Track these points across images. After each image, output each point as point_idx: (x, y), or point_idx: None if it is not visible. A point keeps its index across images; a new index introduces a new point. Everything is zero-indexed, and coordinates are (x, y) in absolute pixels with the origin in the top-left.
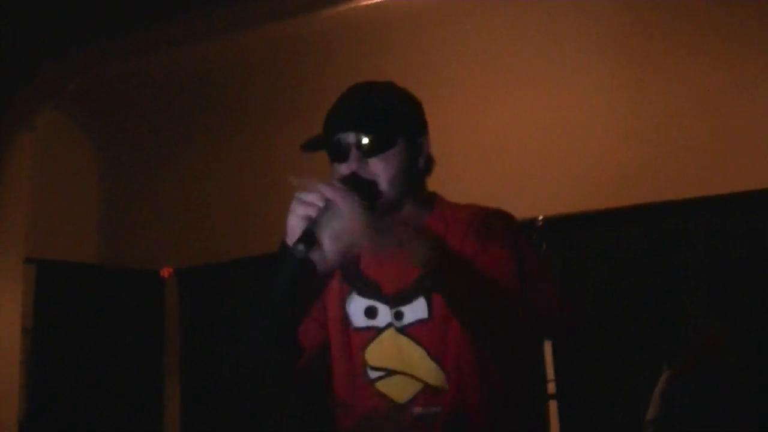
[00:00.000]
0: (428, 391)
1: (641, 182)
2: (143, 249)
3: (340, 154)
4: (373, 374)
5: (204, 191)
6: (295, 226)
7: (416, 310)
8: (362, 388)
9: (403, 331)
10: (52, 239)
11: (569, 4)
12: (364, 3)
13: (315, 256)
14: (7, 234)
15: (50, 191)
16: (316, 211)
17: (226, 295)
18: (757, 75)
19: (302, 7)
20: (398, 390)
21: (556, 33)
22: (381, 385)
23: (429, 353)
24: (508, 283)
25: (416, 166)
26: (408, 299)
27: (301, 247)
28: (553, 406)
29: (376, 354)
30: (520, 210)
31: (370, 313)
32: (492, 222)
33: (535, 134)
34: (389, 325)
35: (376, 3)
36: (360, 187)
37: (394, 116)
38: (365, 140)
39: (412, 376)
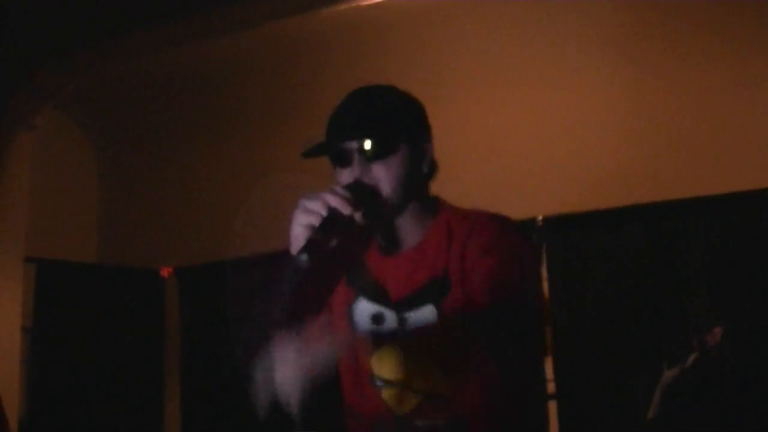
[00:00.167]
0: (429, 401)
1: (641, 182)
2: (143, 248)
3: (342, 159)
4: (379, 381)
5: (204, 191)
6: (298, 235)
7: (422, 316)
8: (369, 394)
9: (406, 337)
10: (52, 239)
11: (569, 5)
12: (364, 3)
13: (319, 263)
14: (7, 233)
15: (50, 191)
16: (319, 220)
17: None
18: (757, 75)
19: (302, 7)
20: (399, 402)
21: (555, 33)
22: (385, 394)
23: (432, 360)
24: (510, 285)
25: (419, 171)
26: (415, 305)
27: (304, 256)
28: (553, 406)
29: (378, 364)
30: (520, 210)
31: (377, 320)
32: (494, 227)
33: (535, 134)
34: (394, 332)
35: (376, 3)
36: (363, 194)
37: (396, 121)
38: (368, 145)
39: (411, 389)
